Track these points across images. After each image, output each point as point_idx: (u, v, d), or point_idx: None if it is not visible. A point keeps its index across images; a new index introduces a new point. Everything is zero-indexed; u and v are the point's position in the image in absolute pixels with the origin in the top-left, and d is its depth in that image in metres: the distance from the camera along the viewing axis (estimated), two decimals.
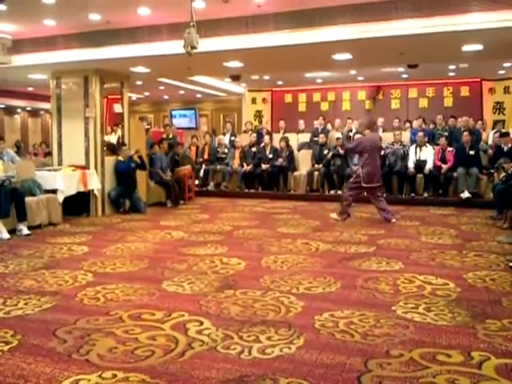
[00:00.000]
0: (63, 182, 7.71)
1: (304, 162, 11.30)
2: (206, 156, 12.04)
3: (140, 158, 8.92)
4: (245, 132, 12.94)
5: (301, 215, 8.37)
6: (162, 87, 14.25)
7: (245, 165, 11.28)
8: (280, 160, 11.01)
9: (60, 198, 7.61)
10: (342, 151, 10.55)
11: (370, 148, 7.54)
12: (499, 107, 13.34)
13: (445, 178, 9.63)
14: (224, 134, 12.86)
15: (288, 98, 15.81)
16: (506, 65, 11.40)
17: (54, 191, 7.63)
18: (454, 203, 9.30)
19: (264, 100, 15.78)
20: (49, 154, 10.76)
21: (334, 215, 7.83)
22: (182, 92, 15.41)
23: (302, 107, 15.62)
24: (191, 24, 5.89)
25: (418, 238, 6.29)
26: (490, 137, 10.64)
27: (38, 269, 4.85)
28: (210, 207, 9.58)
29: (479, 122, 11.38)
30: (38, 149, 14.34)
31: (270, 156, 11.18)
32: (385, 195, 9.98)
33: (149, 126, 14.06)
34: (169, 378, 2.55)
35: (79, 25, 7.70)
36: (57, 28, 7.88)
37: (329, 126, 12.32)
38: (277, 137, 11.90)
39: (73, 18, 7.37)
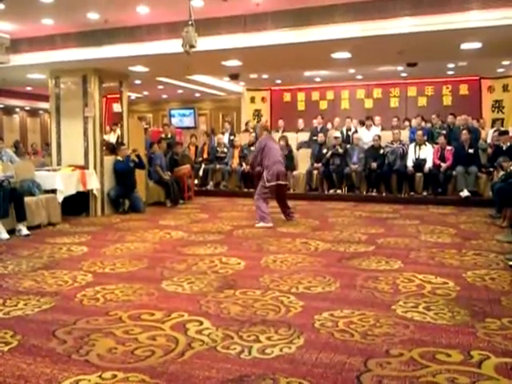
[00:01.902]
0: (62, 181, 7.70)
1: (303, 161, 11.31)
2: (205, 155, 12.04)
3: (138, 156, 8.91)
4: (246, 131, 12.93)
5: (300, 214, 8.36)
6: (160, 86, 14.24)
7: (244, 164, 11.28)
8: None
9: (59, 197, 7.61)
10: (341, 150, 10.57)
11: (271, 145, 7.43)
12: (498, 105, 13.33)
13: (444, 176, 9.63)
14: (223, 133, 12.85)
15: (287, 97, 15.78)
16: (505, 63, 11.40)
17: (54, 191, 7.62)
18: (454, 202, 9.31)
19: (263, 99, 15.76)
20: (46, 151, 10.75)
21: (260, 224, 7.18)
22: (180, 91, 15.40)
23: (300, 106, 15.60)
24: (190, 23, 5.89)
25: (418, 237, 6.29)
26: (489, 135, 10.66)
27: (38, 269, 4.85)
28: (209, 207, 9.58)
29: (478, 121, 11.41)
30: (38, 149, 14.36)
31: None
32: (384, 194, 10.03)
33: (147, 126, 14.05)
34: (169, 378, 2.55)
35: (78, 24, 7.69)
36: (55, 27, 7.87)
37: (328, 125, 12.32)
38: (276, 136, 11.88)
39: (71, 17, 7.36)
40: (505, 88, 13.18)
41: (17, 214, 6.67)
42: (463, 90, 14.07)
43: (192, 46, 5.96)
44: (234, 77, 11.72)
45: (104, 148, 8.97)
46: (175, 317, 3.44)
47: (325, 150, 10.84)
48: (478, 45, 7.36)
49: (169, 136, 11.60)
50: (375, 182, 10.21)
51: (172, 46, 7.20)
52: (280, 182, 7.40)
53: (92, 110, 8.65)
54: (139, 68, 9.09)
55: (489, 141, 10.35)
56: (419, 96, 14.52)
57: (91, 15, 7.25)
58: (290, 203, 9.74)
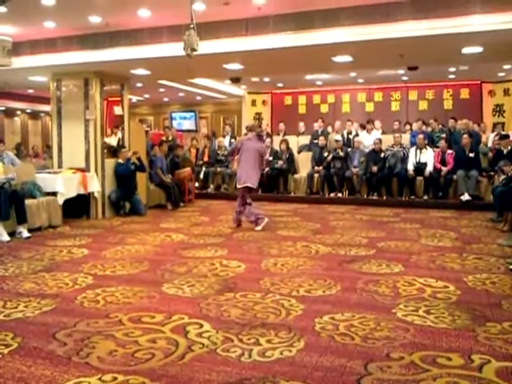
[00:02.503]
0: (63, 184, 7.70)
1: (304, 164, 11.31)
2: (205, 158, 12.05)
3: (139, 159, 8.92)
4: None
5: (301, 218, 8.37)
6: (162, 89, 14.27)
7: None
8: (280, 162, 11.02)
9: (60, 200, 7.61)
10: (341, 153, 10.59)
11: (246, 147, 7.23)
12: (499, 109, 13.35)
13: (445, 180, 9.64)
14: (224, 136, 12.87)
15: (288, 100, 15.81)
16: (506, 67, 11.41)
17: (54, 194, 7.62)
18: (454, 206, 9.31)
19: (264, 102, 15.79)
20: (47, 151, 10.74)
21: (259, 227, 7.14)
22: (181, 94, 15.43)
23: (301, 109, 15.63)
24: (191, 26, 5.90)
25: (418, 241, 6.29)
26: (489, 139, 10.66)
27: (38, 271, 4.85)
28: (210, 209, 9.58)
29: (479, 125, 11.43)
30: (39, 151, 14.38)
31: (270, 158, 11.18)
32: (385, 198, 10.03)
33: (148, 129, 14.06)
34: (169, 381, 2.55)
35: (79, 27, 7.71)
36: (57, 30, 7.89)
37: (329, 129, 12.34)
38: (277, 139, 11.91)
39: (73, 20, 7.38)
40: (506, 92, 13.21)
41: (17, 217, 6.68)
42: (464, 94, 14.09)
43: (194, 50, 5.97)
44: (236, 80, 11.75)
45: (105, 151, 8.98)
46: (175, 319, 3.44)
47: (326, 154, 10.84)
48: (479, 49, 7.37)
49: (170, 139, 11.62)
50: (376, 185, 10.21)
51: (173, 49, 7.21)
52: (247, 185, 7.19)
53: (93, 112, 8.66)
54: (141, 71, 9.10)
55: (489, 144, 10.36)
56: (420, 100, 14.54)
57: (93, 18, 7.26)
58: (291, 206, 9.84)
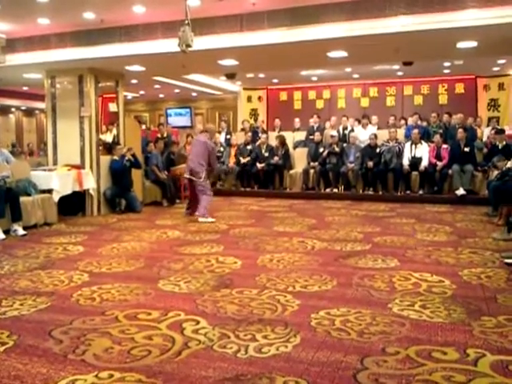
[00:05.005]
0: (58, 181, 7.68)
1: (300, 160, 11.32)
2: None
3: (133, 156, 8.90)
4: (242, 130, 12.93)
5: (297, 213, 8.37)
6: (157, 86, 14.24)
7: (241, 159, 11.29)
8: (276, 158, 11.02)
9: (55, 197, 7.59)
10: (337, 149, 10.60)
11: (194, 145, 8.20)
12: (494, 104, 13.39)
13: (440, 175, 9.66)
14: (219, 132, 12.85)
15: (283, 96, 15.80)
16: (501, 61, 11.44)
17: (50, 191, 7.60)
18: (450, 200, 9.34)
19: (259, 98, 15.78)
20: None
21: (204, 219, 7.58)
22: (177, 91, 15.40)
23: (297, 105, 15.63)
24: (186, 22, 5.89)
25: (414, 236, 6.31)
26: (485, 134, 10.68)
27: (34, 269, 4.84)
28: None
29: (475, 120, 11.45)
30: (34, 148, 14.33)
31: (266, 154, 11.19)
32: (380, 193, 10.04)
33: (145, 127, 14.02)
34: (165, 378, 2.55)
35: (73, 23, 7.68)
36: (51, 27, 7.86)
37: (326, 124, 12.34)
38: (272, 135, 11.91)
39: (67, 16, 7.35)
40: (500, 87, 13.24)
41: (12, 214, 6.65)
42: (459, 88, 14.11)
43: (188, 46, 5.96)
44: (231, 76, 11.72)
45: (100, 148, 8.95)
46: (172, 316, 3.44)
47: (321, 149, 10.86)
48: (473, 43, 7.38)
49: (165, 135, 11.59)
50: (371, 180, 10.23)
51: (168, 45, 7.19)
52: (186, 176, 7.98)
53: (88, 109, 8.63)
54: (135, 67, 9.08)
55: (485, 139, 10.39)
56: (415, 95, 14.56)
57: (87, 15, 7.24)
58: (287, 202, 9.85)
